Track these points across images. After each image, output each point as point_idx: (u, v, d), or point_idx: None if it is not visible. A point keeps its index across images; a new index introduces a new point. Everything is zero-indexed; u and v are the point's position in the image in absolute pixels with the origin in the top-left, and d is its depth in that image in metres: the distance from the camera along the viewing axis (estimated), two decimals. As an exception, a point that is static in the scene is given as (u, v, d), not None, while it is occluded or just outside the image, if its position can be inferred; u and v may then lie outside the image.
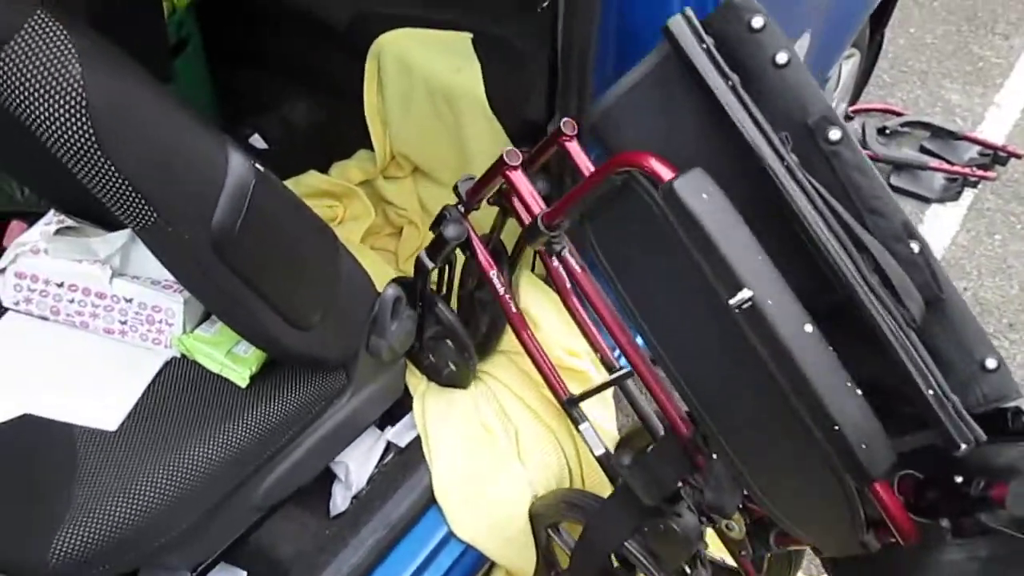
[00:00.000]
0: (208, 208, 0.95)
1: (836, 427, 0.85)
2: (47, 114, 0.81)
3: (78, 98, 0.81)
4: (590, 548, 1.33)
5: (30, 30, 0.80)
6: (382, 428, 1.54)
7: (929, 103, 3.07)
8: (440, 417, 1.52)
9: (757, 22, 0.94)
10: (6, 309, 1.35)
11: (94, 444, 1.19)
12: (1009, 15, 3.47)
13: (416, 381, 1.57)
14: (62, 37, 0.81)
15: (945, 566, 0.92)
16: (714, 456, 1.06)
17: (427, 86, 1.75)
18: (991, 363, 0.90)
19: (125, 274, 1.33)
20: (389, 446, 1.55)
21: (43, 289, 1.32)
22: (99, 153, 0.84)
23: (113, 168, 0.86)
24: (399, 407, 1.53)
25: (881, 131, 2.84)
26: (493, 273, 1.40)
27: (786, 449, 0.95)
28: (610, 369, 1.37)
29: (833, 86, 2.29)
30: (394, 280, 1.40)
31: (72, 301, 1.32)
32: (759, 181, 0.92)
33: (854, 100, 2.69)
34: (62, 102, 0.81)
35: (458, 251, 1.44)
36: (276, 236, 1.07)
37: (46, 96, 0.80)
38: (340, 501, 1.48)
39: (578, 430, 1.39)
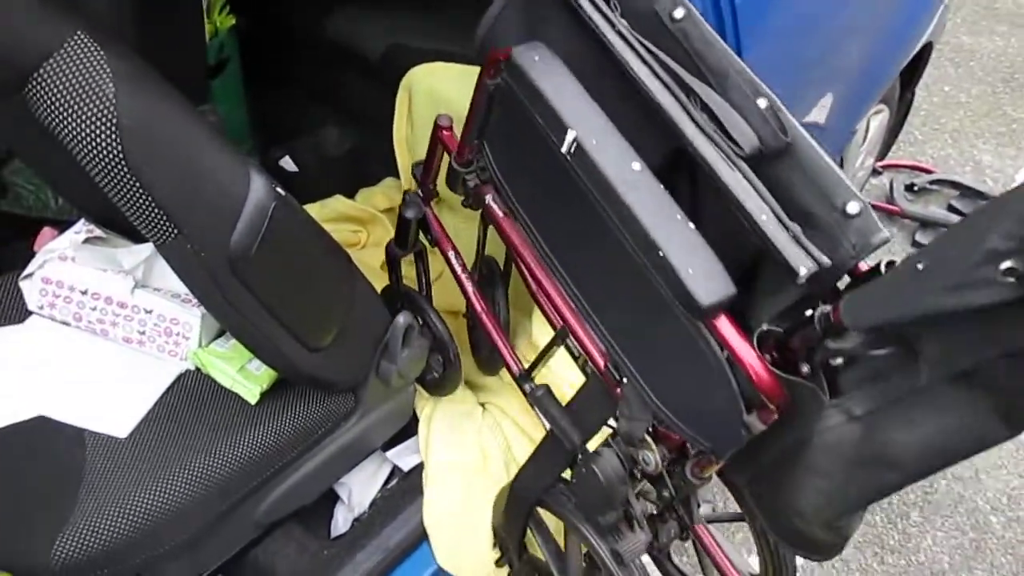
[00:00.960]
0: (227, 228, 0.98)
1: (660, 252, 0.87)
2: (79, 130, 0.85)
3: (110, 117, 0.85)
4: (515, 498, 1.35)
5: (69, 49, 0.84)
6: (388, 448, 1.55)
7: (960, 162, 3.06)
8: (442, 446, 1.53)
9: None
10: (31, 312, 1.39)
11: (104, 450, 1.21)
12: (1046, 79, 3.47)
13: (423, 403, 1.58)
14: (99, 58, 0.85)
15: (825, 433, 0.88)
16: (624, 381, 1.08)
17: (457, 119, 1.79)
18: (853, 207, 0.83)
19: (147, 286, 1.36)
20: (394, 470, 1.56)
21: (67, 295, 1.36)
22: (126, 170, 0.88)
23: (138, 185, 0.89)
24: (407, 428, 1.55)
25: (909, 187, 2.84)
26: (451, 253, 1.44)
27: (654, 322, 0.97)
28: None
29: (860, 140, 2.29)
30: (408, 307, 1.43)
31: (94, 309, 1.36)
32: (603, 56, 0.99)
33: (882, 156, 2.69)
34: (94, 120, 0.85)
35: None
36: (293, 258, 1.10)
37: (79, 113, 0.84)
38: (341, 522, 1.50)
39: (532, 405, 1.36)
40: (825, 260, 0.83)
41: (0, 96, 0.88)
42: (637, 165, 0.93)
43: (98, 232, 1.40)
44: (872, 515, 1.98)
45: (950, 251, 0.69)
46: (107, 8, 1.23)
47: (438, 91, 1.81)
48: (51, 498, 1.15)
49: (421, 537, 1.45)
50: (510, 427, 1.56)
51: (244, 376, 1.32)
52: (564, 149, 0.96)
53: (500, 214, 1.33)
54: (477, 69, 1.96)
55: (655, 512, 1.28)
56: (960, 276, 0.67)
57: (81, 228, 1.41)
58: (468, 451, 1.52)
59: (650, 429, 1.11)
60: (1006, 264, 0.64)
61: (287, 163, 2.08)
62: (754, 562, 1.38)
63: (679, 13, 0.96)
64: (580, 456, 1.20)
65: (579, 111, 0.98)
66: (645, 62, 0.97)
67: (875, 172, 2.82)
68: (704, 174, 0.91)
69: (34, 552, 1.09)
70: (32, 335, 1.37)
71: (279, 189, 1.04)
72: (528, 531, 1.40)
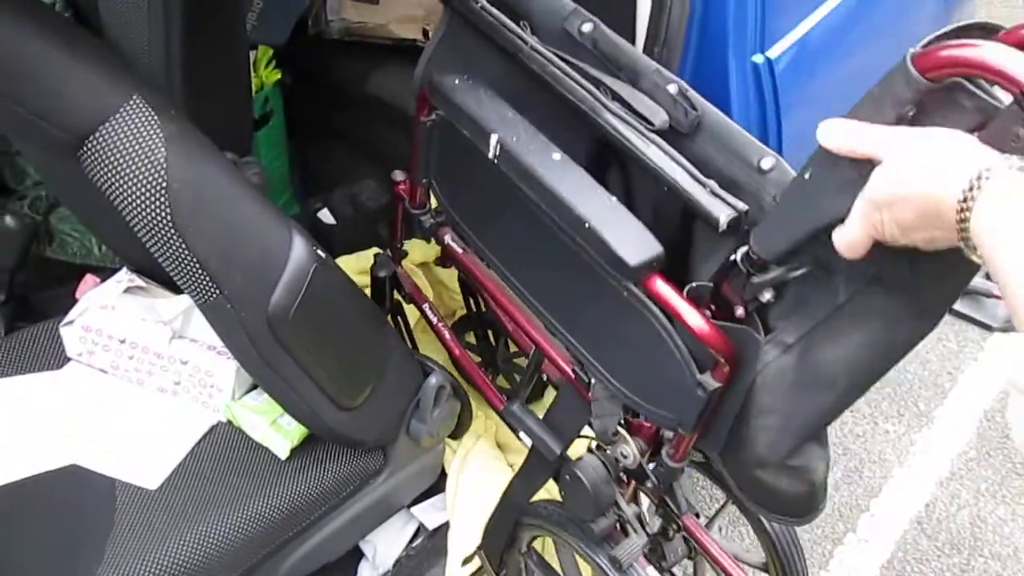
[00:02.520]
0: (267, 290, 0.99)
1: (586, 223, 0.92)
2: (130, 192, 0.87)
3: (160, 181, 0.87)
4: (502, 512, 1.36)
5: (125, 114, 0.87)
6: (414, 504, 1.54)
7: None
8: (469, 508, 1.51)
9: None
10: (69, 359, 1.41)
11: (133, 501, 1.22)
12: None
13: (452, 459, 1.57)
14: (153, 123, 0.87)
15: (765, 371, 0.89)
16: (593, 383, 1.12)
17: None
18: (767, 163, 0.88)
19: (184, 336, 1.38)
20: (420, 527, 1.55)
21: (106, 344, 1.38)
22: (173, 232, 0.89)
23: (184, 247, 0.91)
24: (434, 483, 1.54)
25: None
26: (426, 305, 1.48)
27: (600, 306, 1.01)
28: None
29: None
30: (439, 368, 1.43)
31: (131, 358, 1.37)
32: (523, 74, 1.06)
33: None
34: (145, 183, 0.87)
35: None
36: (330, 320, 1.10)
37: (131, 176, 0.86)
38: (365, 580, 1.48)
39: (518, 438, 1.36)
40: (741, 205, 0.88)
41: (56, 155, 0.90)
42: (557, 155, 1.01)
43: (139, 281, 1.42)
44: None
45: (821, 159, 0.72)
46: (159, 67, 1.26)
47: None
48: (78, 550, 1.15)
49: (445, 599, 1.43)
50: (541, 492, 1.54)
51: (276, 430, 1.32)
52: (491, 155, 1.03)
53: (460, 251, 1.37)
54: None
55: (658, 531, 1.27)
56: (843, 175, 0.70)
57: (123, 277, 1.43)
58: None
59: (622, 422, 1.14)
60: None
61: (325, 215, 2.10)
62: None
63: (587, 27, 1.04)
64: (563, 466, 1.21)
65: (499, 117, 1.06)
66: (558, 68, 1.04)
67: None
68: (628, 159, 0.98)
69: (59, 604, 1.10)
70: (69, 382, 1.39)
71: (320, 251, 1.05)
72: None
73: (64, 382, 1.39)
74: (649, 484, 1.18)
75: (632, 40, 1.20)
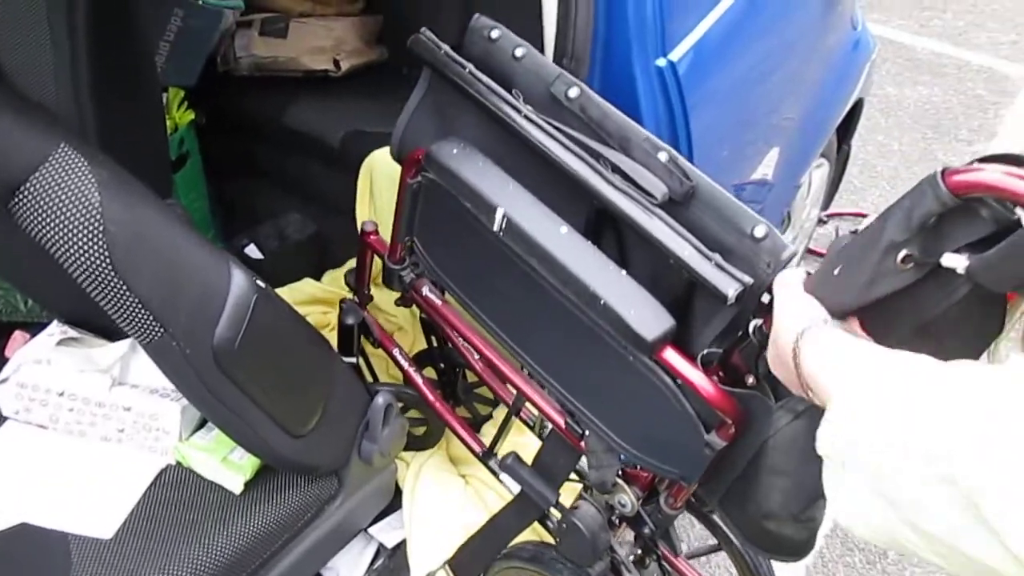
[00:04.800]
0: (211, 324, 1.00)
1: (601, 300, 0.95)
2: (67, 239, 0.88)
3: (96, 225, 0.88)
4: (483, 546, 1.39)
5: (55, 162, 0.87)
6: (372, 524, 1.55)
7: (899, 206, 3.19)
8: (426, 524, 1.54)
9: (495, 34, 1.16)
10: (5, 418, 1.38)
11: (89, 552, 1.20)
12: (970, 123, 3.65)
13: (406, 477, 1.59)
14: (84, 168, 0.88)
15: (778, 435, 0.95)
16: (586, 434, 1.15)
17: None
18: (760, 231, 0.93)
19: (124, 383, 1.37)
20: (380, 547, 1.56)
21: (43, 398, 1.36)
22: (113, 275, 0.90)
23: (125, 288, 0.91)
24: (390, 502, 1.56)
25: (853, 234, 2.95)
26: (395, 350, 1.50)
27: (607, 371, 1.04)
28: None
29: (804, 193, 2.40)
30: (384, 387, 1.45)
31: (71, 410, 1.36)
32: (515, 141, 1.09)
33: (826, 206, 2.81)
34: (82, 229, 0.87)
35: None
36: (275, 349, 1.12)
37: (67, 223, 0.87)
38: (330, 607, 1.49)
39: (500, 480, 1.42)
40: (747, 279, 0.93)
41: (-17, 210, 0.90)
42: (564, 228, 1.03)
43: (72, 332, 1.40)
44: (851, 556, 2.02)
45: (857, 253, 0.77)
46: (70, 117, 1.26)
47: (398, 173, 1.86)
48: (38, 607, 1.13)
49: (411, 617, 1.45)
50: (494, 499, 1.57)
51: (227, 467, 1.32)
52: (495, 227, 1.05)
53: (439, 303, 1.39)
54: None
55: (635, 558, 1.31)
56: (870, 272, 0.75)
57: (55, 330, 1.41)
58: (452, 528, 1.52)
59: (620, 472, 1.17)
60: (903, 253, 0.72)
61: (252, 251, 2.10)
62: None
63: (574, 92, 1.08)
64: (560, 514, 1.24)
65: (503, 190, 1.07)
66: (555, 139, 1.07)
67: (821, 221, 2.93)
68: (627, 227, 1.01)
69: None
70: (9, 442, 1.36)
71: (259, 282, 1.06)
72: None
73: (3, 443, 1.36)
74: (646, 530, 1.23)
75: (541, 51, 1.25)
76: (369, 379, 1.61)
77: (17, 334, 1.50)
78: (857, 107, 2.40)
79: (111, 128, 1.41)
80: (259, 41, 2.11)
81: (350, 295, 2.03)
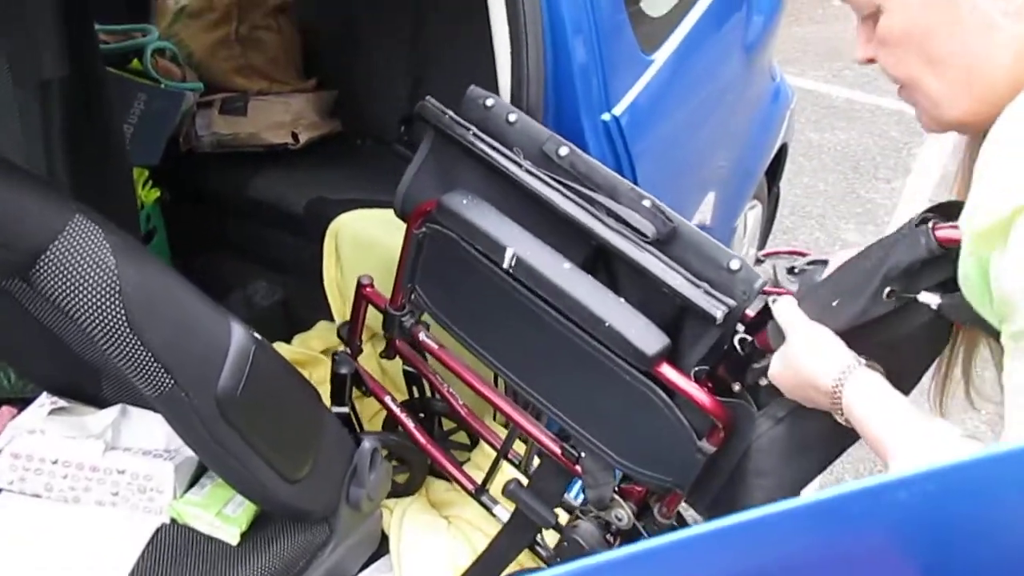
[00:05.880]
0: (215, 375, 1.08)
1: (605, 322, 1.09)
2: (87, 301, 0.95)
3: (114, 287, 0.96)
4: (484, 569, 1.47)
5: (72, 230, 0.96)
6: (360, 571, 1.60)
7: (828, 243, 3.39)
8: (414, 563, 1.59)
9: (489, 102, 1.30)
10: (0, 490, 1.41)
11: (93, 615, 1.24)
12: (887, 162, 3.91)
13: (390, 524, 1.65)
14: (99, 235, 0.97)
15: (760, 439, 1.08)
16: (582, 455, 1.26)
17: (384, 260, 1.93)
18: (735, 264, 1.09)
19: (117, 447, 1.42)
20: (369, 594, 1.61)
21: (38, 467, 1.40)
22: (129, 332, 0.98)
23: (140, 344, 0.99)
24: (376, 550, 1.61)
25: (791, 271, 3.10)
26: (388, 398, 1.59)
27: (606, 392, 1.16)
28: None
29: (741, 234, 2.56)
30: (369, 434, 1.52)
31: (65, 477, 1.40)
32: (515, 192, 1.23)
33: (762, 245, 2.98)
34: (101, 291, 0.95)
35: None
36: (272, 397, 1.20)
37: (87, 286, 0.95)
38: (323, 655, 1.52)
39: (492, 514, 1.50)
40: (731, 302, 1.07)
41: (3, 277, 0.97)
42: (567, 265, 1.17)
43: (62, 402, 1.45)
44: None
45: (852, 289, 0.95)
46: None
47: (363, 235, 1.96)
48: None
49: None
50: (479, 538, 1.63)
51: (223, 520, 1.37)
52: (506, 265, 1.18)
53: (436, 347, 1.49)
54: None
55: None
56: (864, 304, 0.93)
57: (44, 401, 1.46)
58: (442, 566, 1.58)
59: (616, 489, 1.26)
60: (888, 288, 0.90)
61: (221, 319, 2.16)
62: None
63: (564, 151, 1.23)
64: (560, 533, 1.33)
65: (511, 233, 1.21)
66: (554, 188, 1.22)
67: (758, 261, 3.10)
68: (621, 262, 1.16)
69: None
70: (4, 513, 1.39)
71: (256, 335, 1.15)
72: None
73: (-2, 514, 1.39)
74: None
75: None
76: (356, 428, 1.68)
77: (4, 409, 1.54)
78: (782, 152, 2.59)
79: (85, 202, 1.49)
80: (220, 119, 2.21)
81: (321, 354, 2.11)
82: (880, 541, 0.47)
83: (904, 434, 0.84)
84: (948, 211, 0.89)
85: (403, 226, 1.94)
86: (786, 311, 0.99)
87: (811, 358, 0.94)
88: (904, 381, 0.96)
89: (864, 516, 0.45)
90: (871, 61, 0.88)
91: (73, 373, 1.38)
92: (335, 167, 2.26)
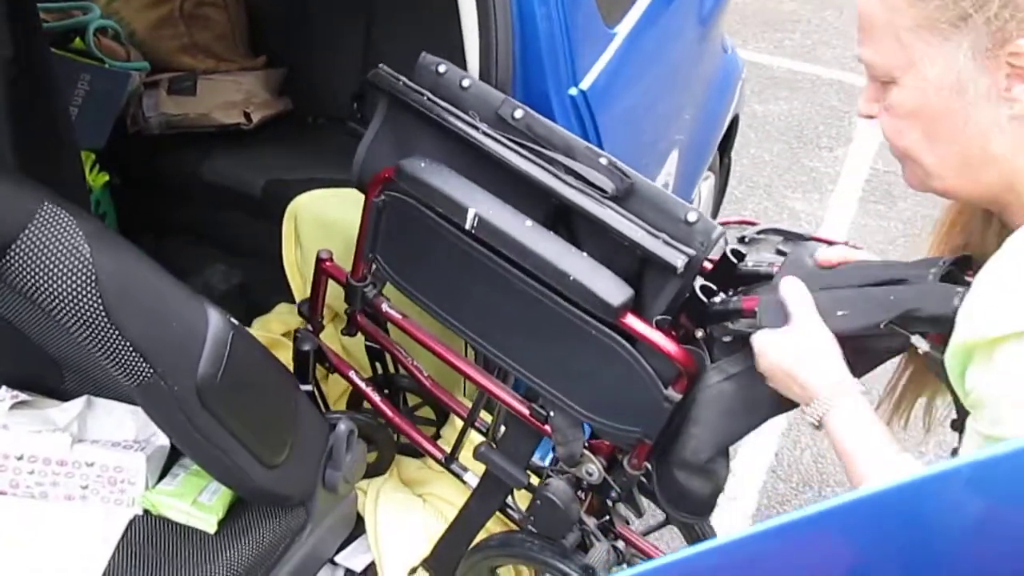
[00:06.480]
0: (194, 362, 1.06)
1: (570, 276, 1.11)
2: (62, 291, 0.92)
3: (90, 275, 0.93)
4: (458, 532, 1.48)
5: (42, 218, 0.92)
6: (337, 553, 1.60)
7: (776, 212, 3.46)
8: (393, 544, 1.59)
9: (442, 68, 1.29)
10: (-37, 490, 1.37)
11: (72, 609, 1.21)
12: (829, 131, 3.99)
13: (365, 504, 1.64)
14: (70, 223, 0.93)
15: (707, 390, 1.12)
16: (551, 414, 1.28)
17: (345, 239, 1.91)
18: (692, 216, 1.11)
19: (84, 439, 1.38)
20: (346, 572, 1.60)
21: (2, 464, 1.35)
22: (107, 321, 0.95)
23: (118, 333, 0.96)
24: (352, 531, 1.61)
25: (741, 240, 3.18)
26: (352, 374, 1.58)
27: (572, 347, 1.18)
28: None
29: (696, 205, 2.59)
30: (342, 414, 1.51)
31: (32, 472, 1.36)
32: (473, 155, 1.23)
33: (714, 216, 3.03)
34: (75, 279, 0.92)
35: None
36: (251, 382, 1.18)
37: (61, 276, 0.92)
38: (303, 638, 1.51)
39: (464, 481, 1.51)
40: (691, 251, 1.09)
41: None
42: (529, 223, 1.18)
43: (23, 396, 1.40)
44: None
45: (862, 307, 0.99)
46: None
47: (323, 214, 1.93)
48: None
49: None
50: (452, 512, 1.64)
51: (199, 508, 1.35)
52: (468, 226, 1.19)
53: (399, 317, 1.48)
54: (353, 191, 2.12)
55: (599, 525, 1.43)
56: (869, 326, 0.97)
57: (4, 395, 1.41)
58: (419, 545, 1.59)
59: (586, 444, 1.29)
60: (885, 321, 0.95)
61: (178, 305, 2.12)
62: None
63: (519, 114, 1.24)
64: (532, 492, 1.35)
65: (471, 194, 1.22)
66: (512, 149, 1.22)
67: (710, 231, 3.15)
68: (581, 218, 1.17)
69: None
70: (-31, 512, 1.35)
71: (232, 319, 1.12)
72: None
73: (-39, 514, 1.35)
74: (613, 494, 1.33)
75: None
76: (323, 407, 1.66)
77: (-40, 406, 1.49)
78: (734, 123, 2.63)
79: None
80: (168, 100, 2.14)
81: (282, 337, 2.08)
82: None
83: (875, 464, 0.89)
84: (965, 265, 0.95)
85: (361, 203, 1.94)
86: (798, 299, 1.00)
87: (810, 360, 0.97)
88: (856, 372, 1.00)
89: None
90: (871, 117, 0.91)
91: (33, 366, 1.33)
92: (289, 146, 2.22)
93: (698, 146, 2.22)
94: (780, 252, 1.60)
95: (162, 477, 1.41)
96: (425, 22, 2.11)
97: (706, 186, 2.65)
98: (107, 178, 2.06)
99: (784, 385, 1.01)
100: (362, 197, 1.92)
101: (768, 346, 1.01)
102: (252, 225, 2.08)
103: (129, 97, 2.09)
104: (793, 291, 1.01)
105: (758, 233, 1.49)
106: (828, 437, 0.95)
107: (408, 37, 2.14)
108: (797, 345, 0.98)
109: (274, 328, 2.09)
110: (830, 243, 1.33)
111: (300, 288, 2.03)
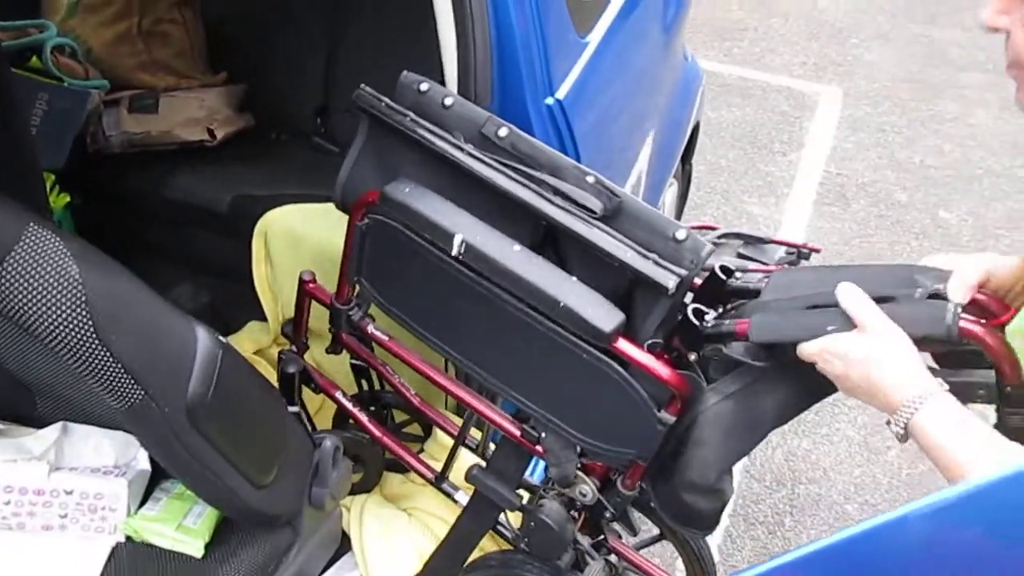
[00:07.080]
0: (184, 382, 1.03)
1: (560, 303, 1.09)
2: (50, 312, 0.89)
3: (79, 295, 0.90)
4: (451, 549, 1.47)
5: (29, 240, 0.89)
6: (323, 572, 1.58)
7: (735, 216, 3.52)
8: (381, 561, 1.58)
9: (424, 86, 1.27)
10: (-67, 524, 1.32)
11: (58, 643, 1.18)
12: (781, 136, 4.07)
13: (350, 521, 1.63)
14: (57, 243, 0.91)
15: (706, 412, 1.12)
16: (543, 436, 1.27)
17: (316, 255, 1.89)
18: (681, 234, 1.10)
19: (62, 467, 1.34)
20: (334, 593, 1.58)
21: (-24, 496, 1.31)
22: (97, 342, 0.92)
23: (109, 355, 0.94)
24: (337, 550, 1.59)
25: (703, 245, 3.23)
26: (339, 393, 1.57)
27: (564, 371, 1.17)
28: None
29: (662, 212, 2.62)
30: (327, 433, 1.49)
31: (8, 503, 1.31)
32: (458, 176, 1.21)
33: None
34: (64, 301, 0.90)
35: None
36: (240, 401, 1.16)
37: (50, 297, 0.89)
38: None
39: (455, 501, 1.51)
40: (682, 271, 1.08)
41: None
42: (517, 247, 1.16)
43: (-3, 425, 1.36)
44: (755, 530, 2.21)
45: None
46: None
47: (295, 231, 1.91)
48: None
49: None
50: (439, 526, 1.63)
51: (184, 532, 1.32)
52: (455, 252, 1.16)
53: (385, 338, 1.47)
54: (323, 207, 2.11)
55: (593, 544, 1.43)
56: (837, 318, 0.98)
57: (-25, 425, 1.37)
58: (409, 561, 1.57)
59: (579, 465, 1.28)
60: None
61: (144, 327, 2.07)
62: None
63: (503, 132, 1.22)
64: (526, 513, 1.35)
65: (457, 219, 1.19)
66: (498, 170, 1.20)
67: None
68: (569, 240, 1.15)
69: None
70: (-59, 547, 1.30)
71: (220, 338, 1.11)
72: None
73: (-67, 549, 1.30)
74: (607, 514, 1.34)
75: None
76: (309, 427, 1.64)
77: (-73, 437, 1.43)
78: (695, 130, 2.67)
79: None
80: (129, 118, 2.11)
81: (255, 355, 2.05)
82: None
83: (983, 459, 0.85)
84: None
85: (333, 218, 1.91)
86: (860, 302, 0.97)
87: (892, 367, 0.93)
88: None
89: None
90: (995, 30, 0.88)
91: (5, 392, 1.29)
92: (254, 163, 2.19)
93: (664, 153, 2.25)
94: (741, 256, 1.69)
95: (143, 503, 1.38)
96: (390, 33, 2.11)
97: (670, 193, 2.69)
98: (68, 199, 2.01)
99: (869, 396, 0.96)
100: (333, 212, 1.91)
101: (837, 355, 0.97)
102: (218, 242, 2.05)
103: (88, 116, 2.05)
104: (853, 296, 0.98)
105: (719, 238, 1.52)
106: (918, 438, 0.91)
107: (373, 50, 2.14)
108: (872, 353, 0.95)
109: (246, 347, 2.06)
110: (788, 245, 1.37)
111: (271, 306, 2.01)
